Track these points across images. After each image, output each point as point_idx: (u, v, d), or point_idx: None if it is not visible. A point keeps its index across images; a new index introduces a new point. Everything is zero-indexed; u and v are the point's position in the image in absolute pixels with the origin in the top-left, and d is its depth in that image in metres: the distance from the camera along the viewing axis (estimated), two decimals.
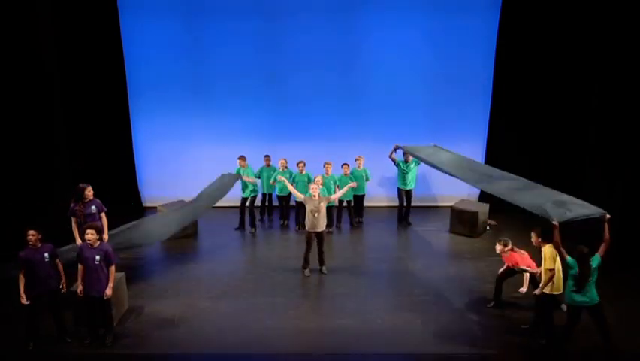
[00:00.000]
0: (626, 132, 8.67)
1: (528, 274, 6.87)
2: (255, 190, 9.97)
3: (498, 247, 6.74)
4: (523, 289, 7.10)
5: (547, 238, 5.96)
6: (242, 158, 9.86)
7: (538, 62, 10.24)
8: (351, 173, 9.99)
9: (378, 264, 8.43)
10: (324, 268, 8.08)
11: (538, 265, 6.30)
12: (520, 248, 6.90)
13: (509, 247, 6.69)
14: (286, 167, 9.90)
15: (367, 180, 10.22)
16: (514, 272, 6.83)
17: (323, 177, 9.43)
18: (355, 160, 10.06)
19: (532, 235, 6.20)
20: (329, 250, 8.72)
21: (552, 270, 5.85)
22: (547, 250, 5.94)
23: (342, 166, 9.91)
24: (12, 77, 8.52)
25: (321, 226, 7.88)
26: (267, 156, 10.14)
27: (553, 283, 5.95)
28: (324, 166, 9.73)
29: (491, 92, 10.80)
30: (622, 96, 8.70)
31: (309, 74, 10.82)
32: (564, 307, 6.09)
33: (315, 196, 7.82)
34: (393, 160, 9.81)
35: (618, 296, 7.00)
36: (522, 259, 6.69)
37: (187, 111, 11.05)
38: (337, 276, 7.95)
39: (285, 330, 6.39)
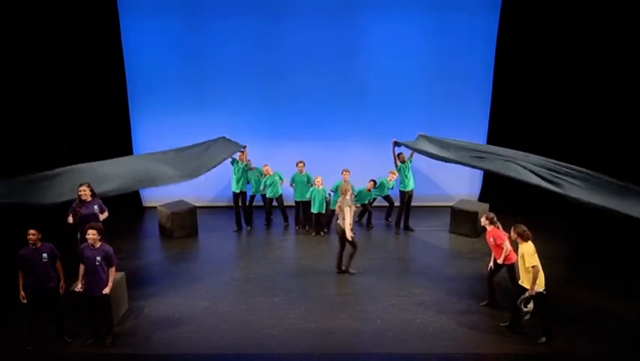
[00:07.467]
0: (627, 131, 8.67)
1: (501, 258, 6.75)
2: (244, 185, 9.83)
3: (483, 220, 6.84)
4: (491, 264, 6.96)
5: (525, 237, 5.99)
6: (241, 152, 9.72)
7: (538, 60, 10.24)
8: (379, 185, 9.87)
9: (378, 264, 8.43)
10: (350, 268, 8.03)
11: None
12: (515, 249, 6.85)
13: (494, 222, 6.76)
14: (288, 174, 9.87)
15: (392, 188, 10.13)
16: (499, 268, 6.82)
17: (340, 182, 9.08)
18: (390, 173, 9.87)
19: (512, 231, 6.17)
20: (328, 250, 8.74)
21: (535, 266, 5.87)
22: (527, 247, 5.96)
23: (368, 182, 9.75)
24: (12, 76, 8.52)
25: (341, 227, 7.84)
26: (265, 165, 9.94)
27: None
28: (342, 173, 9.28)
29: (491, 90, 10.79)
30: (623, 94, 8.69)
31: (309, 72, 10.81)
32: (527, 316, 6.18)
33: (346, 197, 7.75)
34: (396, 160, 9.53)
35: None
36: (500, 236, 6.69)
37: (187, 111, 11.03)
38: (337, 276, 7.95)
39: (285, 330, 6.39)
